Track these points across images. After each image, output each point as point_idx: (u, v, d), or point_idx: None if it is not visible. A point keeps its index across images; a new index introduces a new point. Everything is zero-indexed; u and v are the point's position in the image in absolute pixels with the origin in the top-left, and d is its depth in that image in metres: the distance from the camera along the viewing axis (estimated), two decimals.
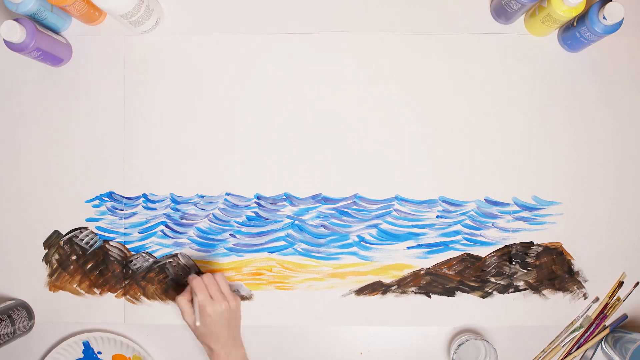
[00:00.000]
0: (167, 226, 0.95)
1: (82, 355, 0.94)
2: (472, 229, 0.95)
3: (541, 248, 0.94)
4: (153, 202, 0.95)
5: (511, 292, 0.94)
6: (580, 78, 0.95)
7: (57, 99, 0.96)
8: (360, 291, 0.94)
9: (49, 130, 0.96)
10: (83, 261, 0.95)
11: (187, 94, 0.96)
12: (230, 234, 0.95)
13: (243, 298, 0.94)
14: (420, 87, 0.95)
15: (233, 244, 0.95)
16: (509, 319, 0.94)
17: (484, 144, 0.95)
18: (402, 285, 0.94)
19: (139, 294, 0.95)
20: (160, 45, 0.96)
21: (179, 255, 0.94)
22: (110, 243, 0.95)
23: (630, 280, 0.94)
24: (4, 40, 0.85)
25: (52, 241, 0.95)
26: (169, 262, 0.94)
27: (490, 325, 0.94)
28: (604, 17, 0.83)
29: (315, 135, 0.95)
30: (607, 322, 0.94)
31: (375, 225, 0.95)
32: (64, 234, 0.95)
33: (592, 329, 0.93)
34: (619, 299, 0.94)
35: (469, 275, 0.94)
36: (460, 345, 0.88)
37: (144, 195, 0.95)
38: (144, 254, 0.95)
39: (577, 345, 0.94)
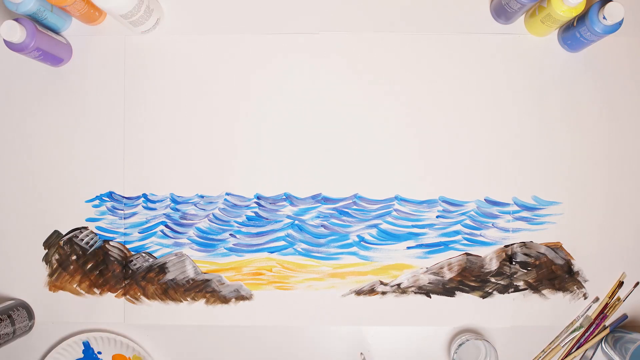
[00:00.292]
0: (167, 226, 0.95)
1: (82, 355, 0.94)
2: (472, 229, 0.95)
3: (541, 248, 0.94)
4: (153, 202, 0.95)
5: (511, 292, 0.94)
6: (580, 78, 0.95)
7: (57, 99, 0.96)
8: (360, 291, 0.94)
9: (49, 130, 0.96)
10: (83, 261, 0.95)
11: (187, 93, 0.96)
12: (230, 234, 0.95)
13: (243, 298, 0.94)
14: (420, 87, 0.95)
15: (233, 244, 0.95)
16: (509, 319, 0.94)
17: (484, 144, 0.95)
18: (402, 285, 0.94)
19: (139, 294, 0.95)
20: (160, 45, 0.96)
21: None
22: (110, 243, 0.95)
23: (630, 280, 0.94)
24: (4, 40, 0.85)
25: (52, 241, 0.95)
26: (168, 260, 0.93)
27: (490, 325, 0.94)
28: (604, 17, 0.83)
29: (315, 135, 0.95)
30: (607, 322, 0.94)
31: (375, 225, 0.95)
32: (64, 234, 0.95)
33: (592, 329, 0.93)
34: (619, 299, 0.94)
35: (469, 275, 0.94)
36: (460, 345, 0.88)
37: (144, 195, 0.95)
38: (144, 254, 0.95)
39: (577, 345, 0.94)
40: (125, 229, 0.95)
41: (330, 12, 0.96)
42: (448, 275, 0.94)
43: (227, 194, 0.95)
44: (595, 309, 0.94)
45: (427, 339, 0.94)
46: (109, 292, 0.95)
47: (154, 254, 0.95)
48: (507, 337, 0.94)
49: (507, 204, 0.95)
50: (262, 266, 0.95)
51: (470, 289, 0.94)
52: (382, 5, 0.96)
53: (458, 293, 0.94)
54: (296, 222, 0.95)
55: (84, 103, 0.96)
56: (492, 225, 0.95)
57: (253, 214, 0.95)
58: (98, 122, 0.96)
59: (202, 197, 0.95)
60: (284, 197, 0.95)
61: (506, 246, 0.94)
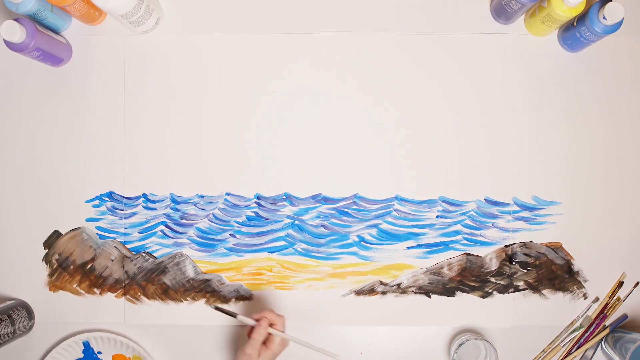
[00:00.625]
0: (167, 226, 0.95)
1: (82, 355, 0.94)
2: (472, 228, 0.95)
3: (541, 248, 0.94)
4: (153, 202, 0.95)
5: (511, 292, 0.94)
6: (580, 78, 0.95)
7: (57, 99, 0.96)
8: (360, 291, 0.94)
9: (49, 130, 0.96)
10: (83, 261, 0.95)
11: (187, 93, 0.96)
12: (230, 234, 0.95)
13: (243, 298, 0.94)
14: (420, 87, 0.95)
15: (233, 244, 0.95)
16: (509, 319, 0.94)
17: (484, 143, 0.95)
18: (402, 285, 0.94)
19: (139, 294, 0.95)
20: (160, 45, 0.96)
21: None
22: (110, 243, 0.95)
23: (630, 280, 0.94)
24: (4, 40, 0.85)
25: (52, 241, 0.95)
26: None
27: (490, 325, 0.94)
28: (604, 17, 0.83)
29: (315, 135, 0.95)
30: (607, 322, 0.94)
31: (375, 225, 0.95)
32: (64, 234, 0.95)
33: (592, 329, 0.93)
34: (619, 299, 0.94)
35: (469, 275, 0.94)
36: (460, 345, 0.88)
37: (144, 195, 0.95)
38: (144, 254, 0.95)
39: (577, 345, 0.94)
40: (125, 229, 0.95)
41: (330, 12, 0.96)
42: (448, 275, 0.94)
43: (227, 194, 0.95)
44: (595, 309, 0.94)
45: (427, 339, 0.94)
46: (109, 292, 0.95)
47: (154, 254, 0.95)
48: (507, 337, 0.94)
49: (507, 204, 0.95)
50: (262, 266, 0.95)
51: (470, 289, 0.94)
52: (382, 6, 0.96)
53: (458, 293, 0.94)
54: (296, 222, 0.95)
55: (84, 103, 0.96)
56: (492, 225, 0.95)
57: (253, 214, 0.95)
58: (98, 122, 0.96)
59: (202, 197, 0.95)
60: (284, 197, 0.95)
61: (506, 246, 0.94)
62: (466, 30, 0.95)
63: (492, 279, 0.94)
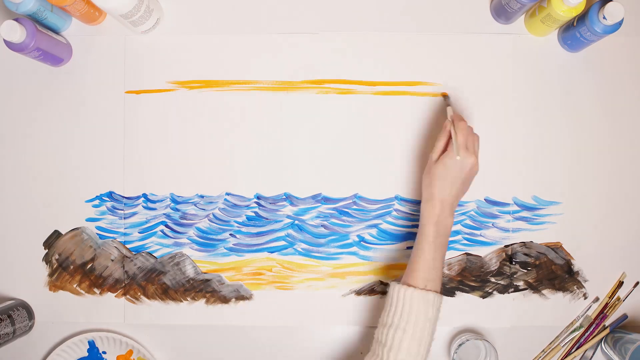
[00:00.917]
0: (167, 226, 0.95)
1: (87, 354, 0.94)
2: (472, 228, 0.95)
3: (541, 248, 0.94)
4: (153, 202, 0.95)
5: (511, 292, 0.94)
6: (580, 78, 0.95)
7: (57, 98, 0.96)
8: (360, 291, 0.94)
9: (49, 130, 0.96)
10: (83, 261, 0.95)
11: (187, 93, 0.95)
12: (230, 234, 0.95)
13: (243, 298, 0.94)
14: (420, 87, 0.95)
15: (233, 244, 0.95)
16: (509, 319, 0.94)
17: (484, 144, 0.95)
18: None
19: (139, 294, 0.95)
20: (160, 45, 0.96)
21: None
22: (110, 243, 0.95)
23: (630, 280, 0.94)
24: (4, 40, 0.85)
25: (52, 241, 0.95)
26: None
27: (490, 325, 0.94)
28: (604, 17, 0.83)
29: (315, 135, 0.95)
30: (607, 322, 0.94)
31: (375, 225, 0.95)
32: (64, 233, 0.95)
33: (592, 329, 0.93)
34: (619, 299, 0.94)
35: (469, 275, 0.94)
36: (460, 345, 0.88)
37: (144, 195, 0.95)
38: (144, 254, 0.95)
39: (577, 345, 0.94)
40: (125, 228, 0.95)
41: (330, 12, 0.96)
42: (448, 275, 0.94)
43: (227, 193, 0.95)
44: (595, 309, 0.94)
45: None
46: (109, 292, 0.95)
47: (154, 254, 0.95)
48: (507, 337, 0.94)
49: (507, 204, 0.95)
50: (262, 266, 0.95)
51: (470, 289, 0.94)
52: (382, 5, 0.95)
53: (458, 293, 0.94)
54: (296, 222, 0.95)
55: (84, 103, 0.96)
56: (492, 225, 0.95)
57: (253, 214, 0.95)
58: (98, 122, 0.96)
59: (202, 197, 0.95)
60: (284, 197, 0.95)
61: (506, 246, 0.94)
62: (466, 30, 0.95)
63: (492, 279, 0.94)
